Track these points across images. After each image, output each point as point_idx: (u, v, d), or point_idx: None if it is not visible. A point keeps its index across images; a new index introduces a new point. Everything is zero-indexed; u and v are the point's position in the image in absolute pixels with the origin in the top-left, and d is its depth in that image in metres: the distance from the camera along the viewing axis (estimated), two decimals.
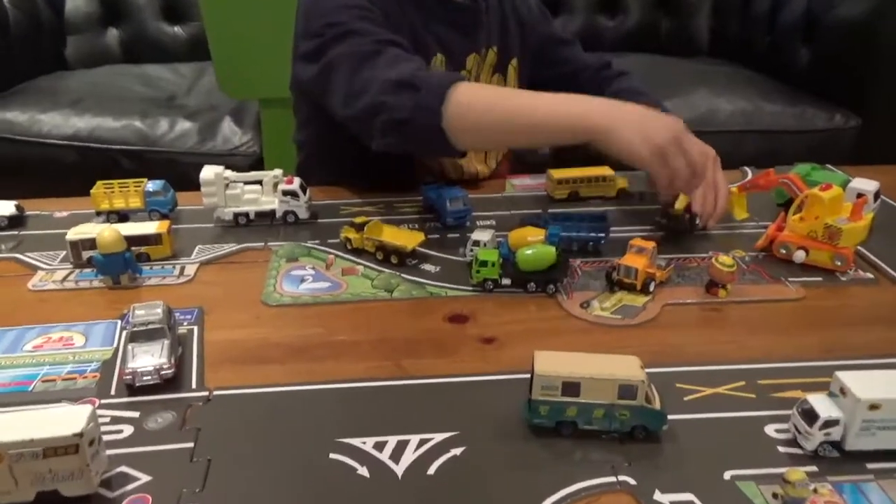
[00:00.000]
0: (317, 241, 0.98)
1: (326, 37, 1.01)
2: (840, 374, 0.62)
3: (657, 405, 0.63)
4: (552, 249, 0.86)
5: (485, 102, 0.93)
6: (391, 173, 1.11)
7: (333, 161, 1.16)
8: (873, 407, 0.59)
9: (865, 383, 0.60)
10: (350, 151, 1.06)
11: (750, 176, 1.17)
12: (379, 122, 0.95)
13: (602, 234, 0.95)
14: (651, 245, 0.87)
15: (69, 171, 1.77)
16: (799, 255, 0.92)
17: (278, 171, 1.05)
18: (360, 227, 0.95)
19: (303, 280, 0.89)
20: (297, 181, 1.03)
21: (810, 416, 0.61)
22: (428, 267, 0.92)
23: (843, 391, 0.61)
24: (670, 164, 0.86)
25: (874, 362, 0.72)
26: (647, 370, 0.63)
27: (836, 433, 0.61)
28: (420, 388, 0.70)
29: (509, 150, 1.30)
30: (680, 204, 0.98)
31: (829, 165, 1.15)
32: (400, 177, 1.12)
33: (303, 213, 1.04)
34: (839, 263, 0.90)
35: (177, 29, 2.45)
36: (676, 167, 0.86)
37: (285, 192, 1.03)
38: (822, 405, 0.61)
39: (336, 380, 0.71)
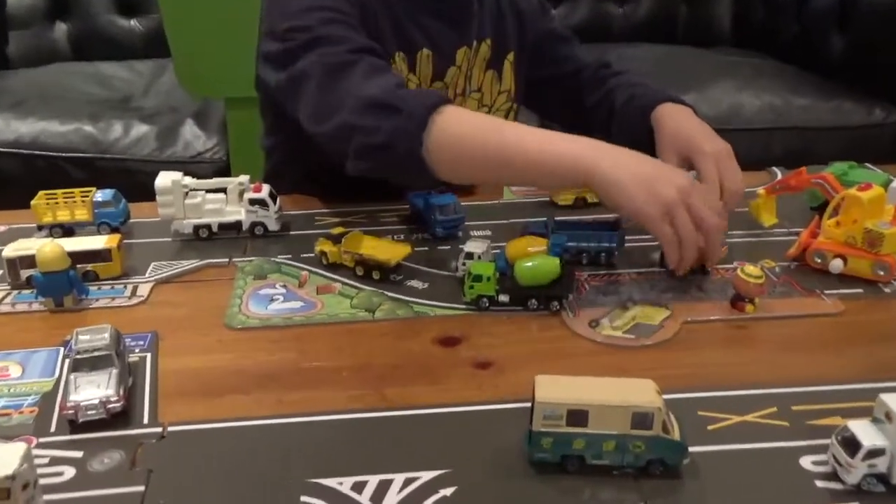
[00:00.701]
0: (288, 256, 0.98)
1: (293, 43, 1.01)
2: (885, 398, 0.61)
3: (676, 435, 0.62)
4: (555, 261, 0.86)
5: (473, 133, 0.92)
6: (371, 180, 1.10)
7: (305, 167, 1.16)
8: None
9: None
10: (324, 157, 1.06)
11: (779, 177, 1.17)
12: (353, 145, 0.95)
13: (614, 244, 0.95)
14: None
15: (10, 181, 1.78)
16: (836, 265, 0.92)
17: (244, 178, 1.05)
18: (337, 240, 0.95)
19: (272, 300, 0.89)
20: (265, 189, 1.03)
21: (852, 445, 0.60)
22: (415, 283, 0.92)
23: (889, 416, 0.60)
24: (676, 226, 0.84)
25: None
26: (665, 396, 0.63)
27: (881, 464, 0.60)
28: (405, 420, 0.69)
29: None
30: None
31: (867, 164, 1.15)
32: (380, 183, 1.11)
33: (272, 225, 1.03)
34: (881, 273, 0.90)
35: (132, 22, 2.46)
36: (682, 229, 0.84)
37: (253, 202, 1.03)
38: (866, 433, 0.61)
39: (309, 412, 0.70)
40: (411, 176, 0.95)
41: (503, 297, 0.86)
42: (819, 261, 0.93)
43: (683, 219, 0.84)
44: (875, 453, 0.60)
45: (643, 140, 1.03)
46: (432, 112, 0.91)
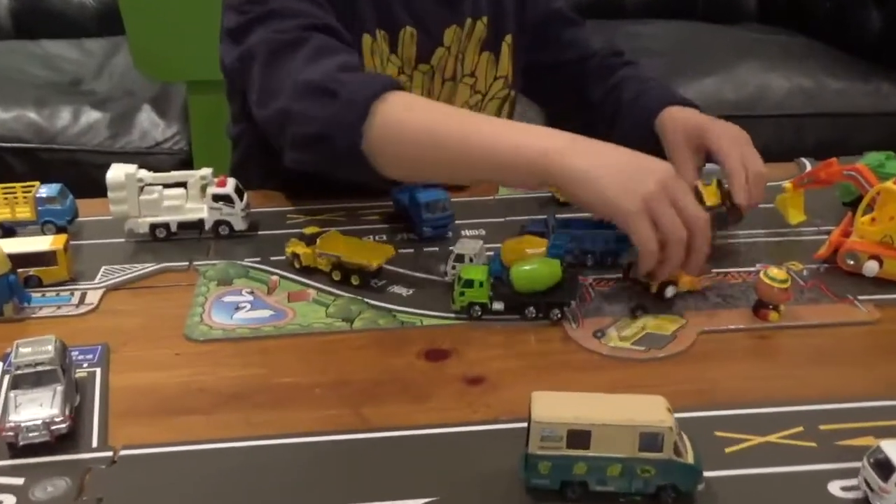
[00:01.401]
0: (256, 259, 0.98)
1: (249, 16, 1.02)
2: None
3: (690, 458, 0.62)
4: (556, 264, 0.86)
5: (419, 122, 0.91)
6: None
7: (275, 159, 1.16)
8: None
9: None
10: None
11: (808, 169, 1.18)
12: (288, 135, 0.95)
13: (623, 245, 0.94)
14: None
15: None
16: (870, 267, 0.92)
17: (207, 171, 1.04)
18: (311, 240, 0.95)
19: (238, 308, 0.89)
20: (231, 183, 1.03)
21: (885, 468, 0.60)
22: (398, 289, 0.92)
23: None
24: (659, 223, 0.81)
25: None
26: (677, 414, 0.62)
27: None
28: (387, 442, 0.69)
29: None
30: (710, 199, 0.96)
31: None
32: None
33: (239, 224, 1.03)
34: None
35: None
36: (667, 225, 0.81)
37: (216, 198, 1.02)
38: None
39: (279, 434, 0.70)
40: (351, 171, 0.94)
41: (497, 305, 0.86)
42: (852, 262, 0.94)
43: (668, 214, 0.81)
44: None
45: (648, 144, 1.03)
46: (374, 99, 0.90)
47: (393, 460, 0.67)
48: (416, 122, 0.91)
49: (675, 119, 1.06)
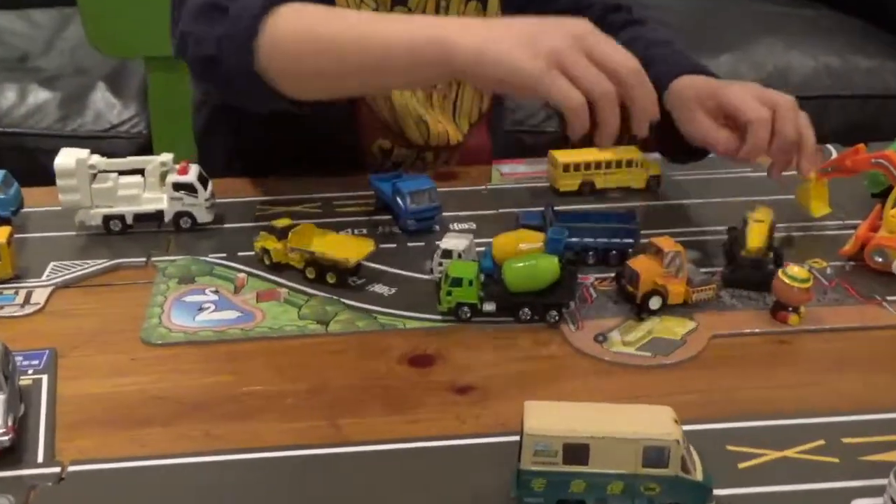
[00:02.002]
0: (222, 255, 0.98)
1: None
2: None
3: (699, 475, 0.62)
4: (554, 261, 0.86)
5: (310, 28, 0.93)
6: (328, 141, 1.12)
7: (243, 129, 1.17)
8: None
9: None
10: (274, 131, 1.06)
11: (834, 156, 1.18)
12: (188, 60, 0.99)
13: (630, 240, 0.95)
14: (673, 248, 0.87)
15: None
16: None
17: (167, 157, 1.04)
18: (282, 234, 0.95)
19: (201, 309, 0.89)
20: (194, 170, 1.03)
21: None
22: (379, 288, 0.92)
23: None
24: (575, 78, 0.80)
25: None
26: (686, 426, 0.62)
27: None
28: (365, 457, 0.69)
29: (485, 110, 1.30)
30: (754, 241, 0.92)
31: None
32: (340, 146, 1.13)
33: (202, 216, 1.03)
34: None
35: None
36: (584, 79, 0.80)
37: (177, 186, 1.02)
38: None
39: (245, 448, 0.70)
40: (255, 98, 0.97)
41: (488, 306, 0.86)
42: (880, 260, 0.94)
43: (582, 65, 0.80)
44: None
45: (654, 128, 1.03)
46: (264, 13, 0.92)
47: (372, 477, 0.67)
48: (307, 27, 0.93)
49: (684, 89, 1.04)
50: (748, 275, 0.91)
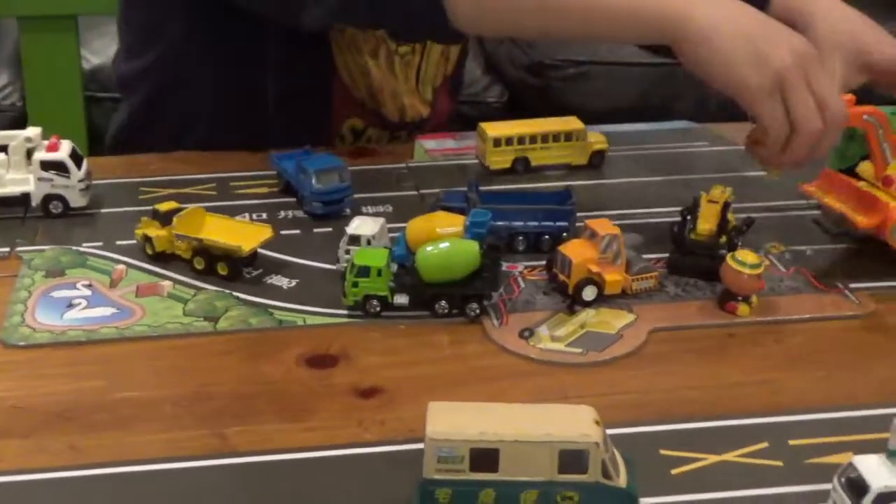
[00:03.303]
0: (98, 244, 0.97)
1: None
2: None
3: (622, 481, 0.61)
4: (473, 246, 0.84)
5: None
6: (299, 119, 1.12)
7: (203, 88, 1.16)
8: None
9: None
10: (235, 64, 1.08)
11: None
12: None
13: (564, 223, 0.94)
14: (610, 231, 0.86)
15: None
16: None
17: (34, 131, 1.01)
18: (167, 219, 0.92)
19: (71, 305, 0.87)
20: (66, 146, 1.00)
21: (857, 488, 0.59)
22: (277, 280, 0.91)
23: None
24: (792, 106, 0.84)
25: None
26: (616, 430, 0.63)
27: None
28: (255, 470, 0.68)
29: (449, 73, 1.32)
30: (704, 224, 0.91)
31: None
32: (310, 126, 1.14)
33: (75, 199, 1.01)
34: None
35: None
36: (800, 112, 0.84)
37: (46, 165, 0.99)
38: (875, 471, 0.59)
39: (117, 461, 0.68)
40: (413, 21, 0.98)
41: (400, 299, 0.85)
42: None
43: (802, 96, 0.84)
44: (888, 498, 0.58)
45: None
46: None
47: (263, 491, 0.67)
48: None
49: (830, 15, 1.06)
50: (696, 261, 0.90)
